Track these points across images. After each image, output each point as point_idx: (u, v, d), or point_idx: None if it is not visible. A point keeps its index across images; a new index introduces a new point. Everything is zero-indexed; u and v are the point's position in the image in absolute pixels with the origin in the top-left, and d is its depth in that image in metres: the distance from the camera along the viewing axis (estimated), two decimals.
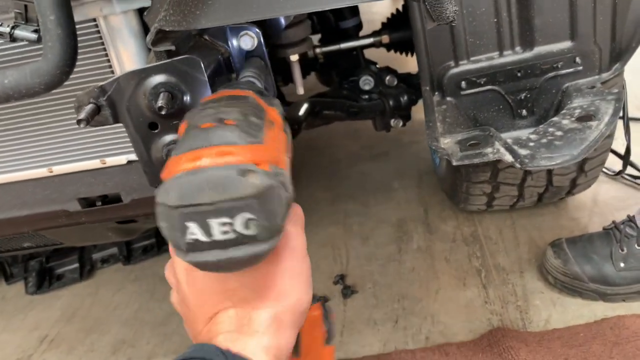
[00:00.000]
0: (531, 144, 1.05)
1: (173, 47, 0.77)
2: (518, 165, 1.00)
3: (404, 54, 1.92)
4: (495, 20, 1.19)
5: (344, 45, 1.71)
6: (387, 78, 1.80)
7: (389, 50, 1.92)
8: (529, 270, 1.67)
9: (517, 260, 1.72)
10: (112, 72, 1.05)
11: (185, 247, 0.52)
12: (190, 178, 0.51)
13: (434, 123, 1.18)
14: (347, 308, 1.69)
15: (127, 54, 1.02)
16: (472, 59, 1.23)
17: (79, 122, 0.71)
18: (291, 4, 0.65)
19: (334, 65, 1.91)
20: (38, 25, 0.90)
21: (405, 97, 1.80)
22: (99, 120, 0.75)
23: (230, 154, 0.53)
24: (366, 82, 1.82)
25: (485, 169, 1.52)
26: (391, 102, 1.79)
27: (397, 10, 1.84)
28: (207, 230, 0.51)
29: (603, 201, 1.90)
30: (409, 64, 1.98)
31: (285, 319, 0.59)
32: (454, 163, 1.05)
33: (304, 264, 0.62)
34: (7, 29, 0.88)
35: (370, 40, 1.73)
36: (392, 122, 1.84)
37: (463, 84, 1.24)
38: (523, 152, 1.03)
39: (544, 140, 1.05)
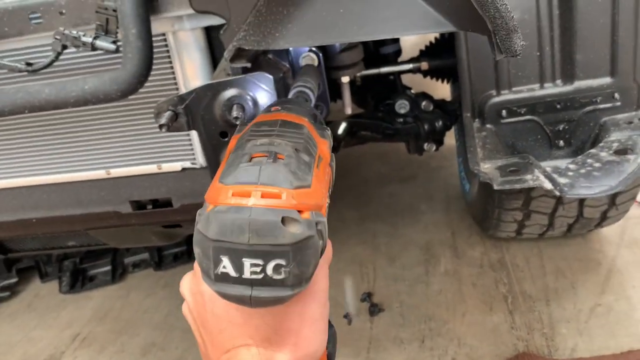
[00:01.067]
0: (570, 173, 1.09)
1: (249, 64, 0.83)
2: (557, 193, 1.04)
3: (439, 80, 1.97)
4: (538, 53, 1.24)
5: (384, 70, 1.77)
6: (424, 103, 1.85)
7: (425, 76, 1.99)
8: (556, 299, 1.69)
9: (544, 289, 1.74)
10: (176, 82, 1.12)
11: (214, 277, 0.54)
12: (234, 216, 0.52)
13: (475, 148, 1.23)
14: (374, 325, 1.72)
15: (192, 67, 1.09)
16: (513, 89, 1.28)
17: (160, 126, 0.78)
18: (364, 30, 0.70)
19: (371, 87, 1.97)
20: (116, 37, 0.98)
21: (440, 123, 1.85)
22: (175, 127, 0.82)
23: (276, 197, 0.53)
24: (402, 106, 1.87)
25: (518, 196, 1.56)
26: (426, 127, 1.84)
27: (436, 38, 1.90)
28: (238, 267, 0.52)
29: (631, 234, 1.91)
30: (437, 89, 2.04)
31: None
32: (496, 187, 1.09)
33: (325, 309, 0.63)
34: (90, 39, 0.96)
35: (410, 66, 1.79)
36: (426, 146, 1.89)
37: (503, 112, 1.29)
38: (562, 180, 1.07)
39: (583, 171, 1.09)
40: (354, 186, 2.63)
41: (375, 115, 1.92)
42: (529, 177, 1.12)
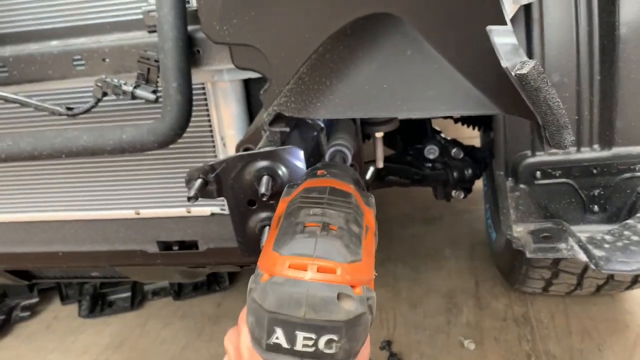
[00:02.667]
0: (606, 245, 1.06)
1: (287, 129, 0.83)
2: (593, 267, 1.01)
3: (469, 127, 1.96)
4: (577, 117, 1.23)
5: (416, 115, 1.76)
6: (454, 150, 1.83)
7: (456, 122, 1.97)
8: None
9: (569, 349, 1.69)
10: (211, 130, 1.13)
11: (266, 346, 0.55)
12: (291, 289, 0.54)
13: (508, 210, 1.21)
14: None
15: (228, 116, 1.10)
16: (549, 151, 1.26)
17: (189, 199, 0.78)
18: (407, 107, 0.70)
19: (401, 129, 1.96)
20: (157, 86, 0.99)
21: (470, 171, 1.83)
22: (205, 194, 0.81)
23: (331, 272, 0.55)
24: (431, 151, 1.86)
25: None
26: (455, 174, 1.82)
27: None
28: (291, 339, 0.54)
29: None
30: (464, 131, 2.02)
31: None
32: (528, 255, 1.07)
33: None
34: (130, 88, 0.97)
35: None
36: (454, 193, 1.87)
37: (538, 174, 1.27)
38: (598, 253, 1.04)
39: (620, 244, 1.06)
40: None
41: (403, 159, 1.91)
42: (562, 246, 1.09)
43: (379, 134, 1.18)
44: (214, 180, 0.81)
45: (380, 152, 1.23)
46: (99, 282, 2.20)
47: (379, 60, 0.70)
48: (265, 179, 0.78)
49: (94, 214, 1.26)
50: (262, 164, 0.79)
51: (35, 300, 2.23)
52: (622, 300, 1.87)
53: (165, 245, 1.29)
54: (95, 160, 1.19)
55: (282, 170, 0.79)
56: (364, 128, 1.22)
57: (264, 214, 0.84)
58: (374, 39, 0.71)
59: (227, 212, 1.21)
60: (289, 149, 0.79)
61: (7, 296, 2.22)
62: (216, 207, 1.20)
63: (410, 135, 1.94)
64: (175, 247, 1.29)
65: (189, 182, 0.81)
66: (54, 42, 1.05)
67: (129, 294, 2.18)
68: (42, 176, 1.24)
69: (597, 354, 1.66)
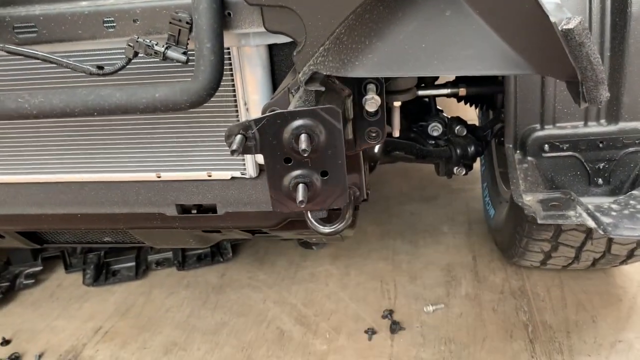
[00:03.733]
0: (613, 213, 1.12)
1: (323, 88, 0.86)
2: (601, 232, 1.06)
3: (469, 105, 2.01)
4: None
5: (421, 93, 1.80)
6: (457, 128, 1.88)
7: (459, 101, 2.01)
8: (576, 332, 1.70)
9: (564, 321, 1.76)
10: (235, 96, 1.15)
11: None
12: None
13: (517, 180, 1.26)
14: (395, 343, 1.74)
15: (253, 82, 1.12)
16: (557, 124, 1.31)
17: (232, 152, 0.81)
18: (445, 66, 0.74)
19: (406, 108, 2.00)
20: (187, 48, 1.01)
21: (473, 148, 1.88)
22: (245, 150, 0.85)
23: None
24: (434, 129, 1.90)
25: (548, 228, 1.58)
26: (458, 151, 1.87)
27: None
28: None
29: None
30: (459, 111, 2.07)
31: None
32: (539, 221, 1.12)
33: None
34: (162, 49, 0.99)
35: (447, 91, 1.81)
36: (456, 170, 1.91)
37: (546, 146, 1.32)
38: (606, 220, 1.09)
39: (626, 212, 1.11)
40: (376, 202, 2.66)
41: (408, 135, 1.95)
42: (571, 213, 1.14)
43: (397, 103, 1.22)
44: (253, 137, 0.84)
45: (397, 122, 1.27)
46: (103, 252, 2.22)
47: (419, 20, 0.74)
48: (304, 136, 0.81)
49: (114, 175, 1.29)
50: (301, 122, 0.82)
51: (39, 268, 2.25)
52: (614, 275, 1.94)
53: (184, 209, 1.32)
54: (116, 121, 1.21)
55: (320, 129, 0.83)
56: (385, 98, 1.26)
57: (298, 172, 0.87)
58: None
59: (247, 176, 1.24)
60: (328, 108, 0.82)
61: (10, 264, 2.24)
62: (237, 171, 1.23)
63: (415, 112, 1.98)
64: (194, 211, 1.32)
65: (228, 137, 0.84)
66: (85, 2, 1.06)
67: (133, 263, 2.21)
68: (62, 137, 1.25)
69: (592, 325, 1.73)
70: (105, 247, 2.13)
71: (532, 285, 1.94)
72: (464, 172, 1.91)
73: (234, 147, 0.81)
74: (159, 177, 1.26)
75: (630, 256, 1.69)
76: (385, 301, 1.94)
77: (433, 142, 1.92)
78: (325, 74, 0.81)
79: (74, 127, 1.25)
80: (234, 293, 2.06)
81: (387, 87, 1.22)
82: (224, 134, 1.18)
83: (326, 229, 1.21)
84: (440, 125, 1.90)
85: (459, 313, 1.84)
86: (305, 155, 0.81)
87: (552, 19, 0.57)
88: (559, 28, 0.56)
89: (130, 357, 1.80)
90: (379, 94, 1.05)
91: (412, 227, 2.38)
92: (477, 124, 2.38)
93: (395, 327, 1.79)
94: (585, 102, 0.62)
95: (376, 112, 1.09)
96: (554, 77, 0.69)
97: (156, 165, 1.25)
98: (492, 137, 1.95)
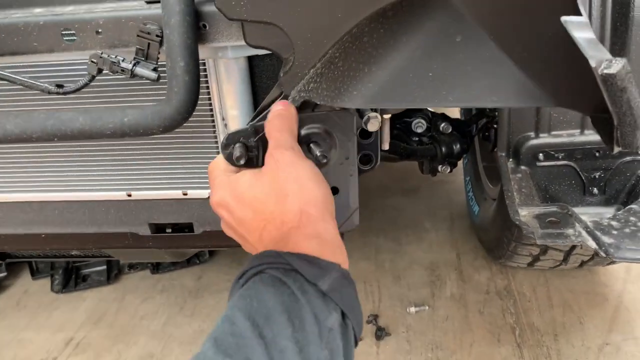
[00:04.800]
0: (614, 232, 1.06)
1: (318, 127, 0.79)
2: (603, 254, 1.01)
3: None
4: None
5: None
6: (442, 125, 1.81)
7: None
8: (563, 335, 1.68)
9: (551, 322, 1.74)
10: (212, 110, 1.06)
11: None
12: None
13: (512, 193, 1.20)
14: (380, 350, 1.70)
15: (231, 96, 1.03)
16: (553, 133, 1.25)
17: (237, 159, 0.74)
18: (454, 98, 0.66)
19: None
20: (157, 63, 0.91)
21: (458, 146, 1.81)
22: (247, 162, 0.76)
23: None
24: (418, 125, 1.82)
25: None
26: (443, 149, 1.80)
27: None
28: None
29: (637, 270, 1.92)
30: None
31: (310, 211, 0.66)
32: (538, 242, 1.06)
33: (296, 170, 0.68)
34: (130, 66, 0.89)
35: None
36: (440, 168, 1.85)
37: (540, 155, 1.26)
38: (607, 240, 1.04)
39: (627, 230, 1.06)
40: None
41: (391, 133, 1.87)
42: (570, 232, 1.09)
43: (387, 116, 1.14)
44: (255, 147, 0.76)
45: (387, 134, 1.19)
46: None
47: (425, 47, 0.65)
48: (313, 145, 0.75)
49: (80, 195, 1.18)
50: (311, 129, 0.75)
51: (2, 274, 2.13)
52: (599, 273, 1.92)
53: (158, 228, 1.22)
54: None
55: (332, 137, 0.76)
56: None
57: None
58: (420, 22, 0.65)
59: None
60: (341, 113, 0.75)
61: None
62: None
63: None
64: (169, 230, 1.23)
65: (226, 146, 0.76)
66: (39, 10, 0.95)
67: (104, 267, 2.10)
68: (21, 153, 1.14)
69: (579, 327, 1.71)
70: (73, 259, 2.02)
71: (517, 284, 1.91)
72: (448, 170, 1.85)
73: (238, 153, 0.73)
74: (130, 196, 1.16)
75: None
76: (369, 304, 1.88)
77: (417, 139, 1.84)
78: (317, 102, 0.72)
79: (36, 143, 1.14)
80: (211, 298, 1.98)
81: None
82: (199, 152, 1.10)
83: None
84: (424, 122, 1.82)
85: (445, 316, 1.80)
86: (324, 162, 0.73)
87: (592, 62, 0.49)
88: (599, 72, 0.49)
89: None
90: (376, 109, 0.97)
91: (394, 223, 2.32)
92: (458, 117, 2.32)
93: (381, 334, 1.74)
94: (619, 146, 0.55)
95: (370, 133, 1.02)
96: (578, 111, 0.61)
97: (126, 184, 1.15)
98: (477, 132, 1.90)
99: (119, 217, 1.20)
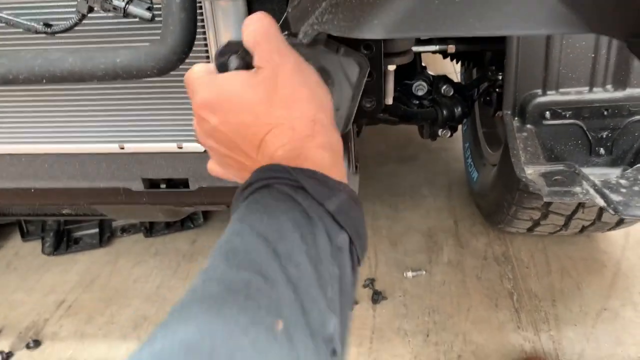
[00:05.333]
0: (623, 190, 1.03)
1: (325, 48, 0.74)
2: (612, 212, 0.98)
3: (455, 62, 1.90)
4: (593, 55, 1.17)
5: None
6: (444, 87, 1.76)
7: (445, 58, 1.90)
8: (561, 300, 1.67)
9: (549, 288, 1.72)
10: (208, 56, 1.01)
11: None
12: None
13: (518, 152, 1.16)
14: (377, 314, 1.68)
15: (228, 35, 0.97)
16: (560, 90, 1.21)
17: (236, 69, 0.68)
18: (484, 25, 0.61)
19: None
20: (151, 2, 0.86)
21: (459, 109, 1.77)
22: None
23: None
24: (419, 88, 1.78)
25: (540, 197, 1.51)
26: (445, 113, 1.76)
27: None
28: None
29: (635, 236, 1.90)
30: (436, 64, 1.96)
31: (323, 119, 0.62)
32: (545, 199, 1.03)
33: (304, 75, 0.63)
34: (122, 3, 0.84)
35: (436, 47, 1.69)
36: (441, 132, 1.81)
37: (547, 114, 1.22)
38: (615, 197, 1.01)
39: (636, 188, 1.03)
40: None
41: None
42: (578, 190, 1.06)
43: (392, 67, 1.09)
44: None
45: (391, 87, 1.14)
46: (62, 218, 2.07)
47: None
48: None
49: (71, 147, 1.13)
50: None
51: None
52: (598, 240, 1.91)
53: (152, 183, 1.18)
54: (72, 85, 1.05)
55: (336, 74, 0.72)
56: (374, 61, 1.13)
57: None
58: None
59: None
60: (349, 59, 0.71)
61: None
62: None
63: (398, 70, 1.85)
64: (163, 185, 1.19)
65: (221, 54, 0.69)
66: None
67: (96, 230, 2.06)
68: (9, 102, 1.09)
69: (577, 292, 1.69)
70: (65, 218, 1.97)
71: (515, 250, 1.89)
72: (449, 135, 1.81)
73: (236, 64, 0.67)
74: (123, 148, 1.12)
75: (619, 223, 1.65)
76: (365, 269, 1.86)
77: (417, 102, 1.80)
78: (334, 34, 0.67)
79: (23, 92, 1.09)
80: (206, 262, 1.95)
81: (383, 49, 1.10)
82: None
83: None
84: (425, 84, 1.77)
85: (442, 281, 1.79)
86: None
87: None
88: None
89: (97, 333, 1.69)
90: (376, 56, 0.93)
91: (392, 190, 2.29)
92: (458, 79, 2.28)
93: (377, 297, 1.72)
94: None
95: (370, 76, 0.97)
96: (615, 38, 0.57)
97: (118, 135, 1.10)
98: (479, 96, 1.86)
99: (111, 171, 1.16)
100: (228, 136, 0.63)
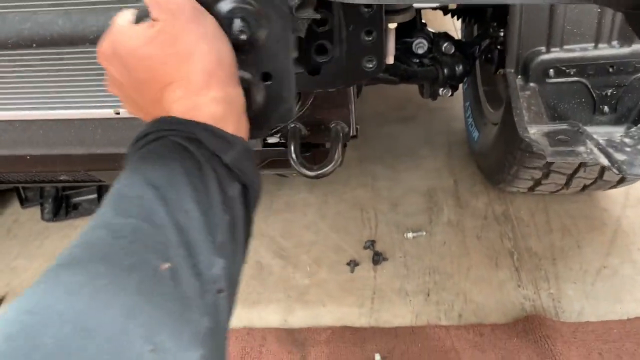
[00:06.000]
0: (627, 149, 1.02)
1: (318, 16, 0.70)
2: (616, 171, 0.97)
3: (454, 18, 1.86)
4: (599, 10, 1.14)
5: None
6: (445, 45, 1.72)
7: (446, 14, 1.86)
8: (562, 259, 1.68)
9: (550, 247, 1.73)
10: None
11: None
12: None
13: (521, 110, 1.14)
14: (378, 275, 1.69)
15: None
16: (565, 47, 1.18)
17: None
18: None
19: None
20: None
21: (461, 68, 1.74)
22: None
23: None
24: (420, 46, 1.74)
25: (542, 156, 1.49)
26: (446, 71, 1.73)
27: None
28: None
29: (635, 195, 1.90)
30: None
31: (219, 73, 0.61)
32: (548, 159, 1.02)
33: (200, 26, 0.61)
34: None
35: (437, 3, 1.64)
36: (441, 91, 1.78)
37: (551, 71, 1.19)
38: (620, 157, 1.00)
39: None
40: None
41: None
42: (582, 149, 1.04)
43: (393, 25, 1.06)
44: None
45: (392, 46, 1.11)
46: (61, 184, 2.05)
47: None
48: (238, 22, 0.66)
49: (66, 112, 1.11)
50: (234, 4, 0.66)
51: None
52: (598, 198, 1.91)
53: None
54: (66, 49, 1.02)
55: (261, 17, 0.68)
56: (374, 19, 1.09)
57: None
58: None
59: None
60: None
61: None
62: None
63: (398, 27, 1.81)
64: None
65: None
66: None
67: (95, 195, 2.05)
68: (2, 69, 1.06)
69: (577, 250, 1.70)
70: (63, 185, 1.96)
71: (515, 210, 1.89)
72: (450, 94, 1.79)
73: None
74: (118, 114, 1.09)
75: (620, 181, 1.64)
76: (366, 231, 1.87)
77: (417, 60, 1.77)
78: None
79: (15, 56, 1.06)
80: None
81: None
82: None
83: (312, 172, 1.09)
84: (425, 42, 1.73)
85: (442, 241, 1.79)
86: (243, 39, 0.65)
87: None
88: None
89: None
90: (377, 14, 0.90)
91: (391, 151, 2.27)
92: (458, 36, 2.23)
93: (378, 258, 1.73)
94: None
95: (370, 34, 0.94)
96: (613, 9, 0.55)
97: (114, 100, 1.08)
98: (480, 54, 1.82)
99: (107, 137, 1.14)
100: (126, 89, 0.65)
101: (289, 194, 2.07)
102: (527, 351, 1.37)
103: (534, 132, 1.12)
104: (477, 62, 2.12)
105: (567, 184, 1.65)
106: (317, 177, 1.07)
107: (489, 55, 1.84)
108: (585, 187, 1.68)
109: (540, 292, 1.57)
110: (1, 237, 1.99)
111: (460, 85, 2.33)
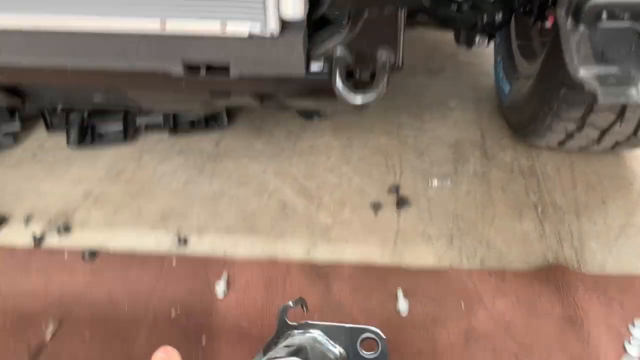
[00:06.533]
0: None
1: None
2: None
3: None
4: None
5: None
6: None
7: None
8: (586, 214, 1.68)
9: (574, 202, 1.73)
10: None
11: None
12: None
13: (571, 52, 1.12)
14: (401, 219, 1.70)
15: None
16: None
17: None
18: None
19: None
20: None
21: (500, 16, 1.71)
22: None
23: None
24: None
25: (579, 107, 1.48)
26: (485, 18, 1.70)
27: None
28: None
29: None
30: None
31: None
32: (600, 100, 1.01)
33: None
34: None
35: None
36: (477, 39, 1.76)
37: (604, 14, 1.16)
38: None
39: None
40: None
41: None
42: (633, 92, 1.03)
43: None
44: None
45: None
46: (86, 112, 2.05)
47: None
48: None
49: (109, 22, 1.09)
50: None
51: (17, 128, 2.08)
52: (626, 158, 1.89)
53: (191, 67, 1.15)
54: None
55: None
56: None
57: None
58: None
59: (267, 33, 1.07)
60: None
61: None
62: (256, 22, 1.05)
63: None
64: (203, 71, 1.16)
65: None
66: None
67: (120, 125, 2.05)
68: None
69: (602, 207, 1.70)
70: (91, 108, 1.96)
71: (541, 165, 1.89)
72: (485, 44, 1.76)
73: None
74: (164, 24, 1.07)
75: None
76: (390, 176, 1.87)
77: (456, 6, 1.73)
78: None
79: None
80: (231, 162, 1.95)
81: None
82: None
83: (358, 99, 1.08)
84: None
85: (467, 191, 1.80)
86: None
87: None
88: None
89: (126, 222, 1.73)
90: None
91: (418, 101, 2.25)
92: None
93: (402, 203, 1.74)
94: None
95: None
96: None
97: (161, 9, 1.06)
98: (520, 6, 1.78)
99: (151, 51, 1.12)
100: None
101: (312, 137, 2.07)
102: (549, 297, 1.38)
103: (585, 73, 1.10)
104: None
105: (599, 140, 1.63)
106: (362, 104, 1.06)
107: (528, 8, 1.81)
108: (617, 144, 1.67)
109: (563, 243, 1.58)
110: (27, 160, 2.00)
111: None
